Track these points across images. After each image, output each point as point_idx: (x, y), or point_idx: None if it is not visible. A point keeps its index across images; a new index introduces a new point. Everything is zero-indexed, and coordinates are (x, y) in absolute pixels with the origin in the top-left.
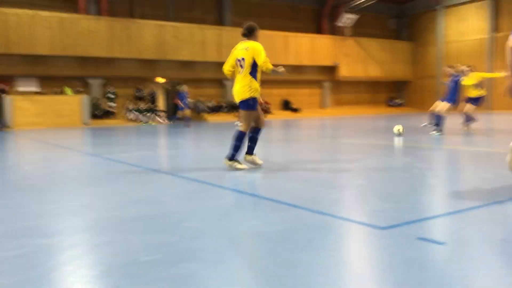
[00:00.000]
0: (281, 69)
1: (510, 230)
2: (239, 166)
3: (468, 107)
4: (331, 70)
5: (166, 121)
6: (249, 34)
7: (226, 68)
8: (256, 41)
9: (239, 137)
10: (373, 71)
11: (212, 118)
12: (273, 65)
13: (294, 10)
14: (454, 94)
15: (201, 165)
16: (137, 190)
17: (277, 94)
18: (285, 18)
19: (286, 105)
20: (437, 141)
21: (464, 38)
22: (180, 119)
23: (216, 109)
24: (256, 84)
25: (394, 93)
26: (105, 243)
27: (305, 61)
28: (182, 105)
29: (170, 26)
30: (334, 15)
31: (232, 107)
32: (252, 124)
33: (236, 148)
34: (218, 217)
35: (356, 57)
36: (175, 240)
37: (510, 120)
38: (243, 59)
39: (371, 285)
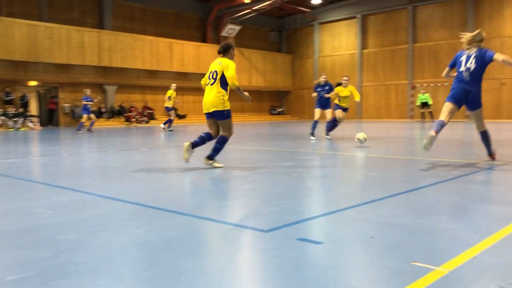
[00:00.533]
0: (246, 94)
1: (378, 228)
2: (217, 165)
3: (338, 113)
4: None
5: (39, 126)
6: (224, 52)
7: (203, 81)
8: (231, 59)
9: (222, 142)
10: (257, 81)
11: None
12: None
13: (179, 18)
14: (327, 101)
15: (77, 173)
16: (5, 202)
17: (162, 100)
18: (169, 25)
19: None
20: (313, 147)
21: (337, 53)
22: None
23: (95, 115)
24: (227, 97)
25: (276, 102)
26: None
27: (190, 68)
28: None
29: (43, 27)
30: (219, 25)
31: (113, 113)
32: (213, 132)
33: (217, 150)
34: (97, 228)
35: (240, 67)
36: (48, 255)
37: (379, 128)
38: (215, 72)
39: None
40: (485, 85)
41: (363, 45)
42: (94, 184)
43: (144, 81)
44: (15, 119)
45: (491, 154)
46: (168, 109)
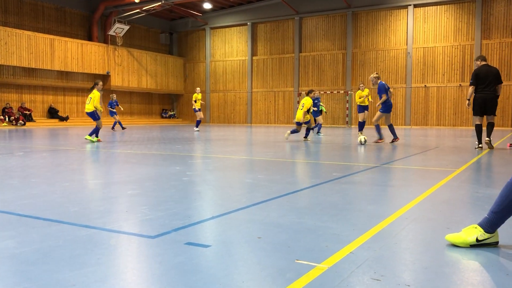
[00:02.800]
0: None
1: (265, 228)
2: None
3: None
4: (103, 78)
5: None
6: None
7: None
8: (99, 91)
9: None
10: (147, 83)
11: None
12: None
13: (61, 13)
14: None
15: None
16: None
17: (41, 101)
18: (50, 20)
19: (52, 113)
20: (207, 150)
21: (229, 58)
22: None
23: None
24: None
25: (167, 105)
26: None
27: (74, 67)
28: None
29: None
30: (106, 23)
31: None
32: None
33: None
34: None
35: (129, 67)
36: None
37: (267, 132)
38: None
39: None
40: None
41: (253, 52)
42: None
43: (21, 80)
44: None
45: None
46: (195, 111)
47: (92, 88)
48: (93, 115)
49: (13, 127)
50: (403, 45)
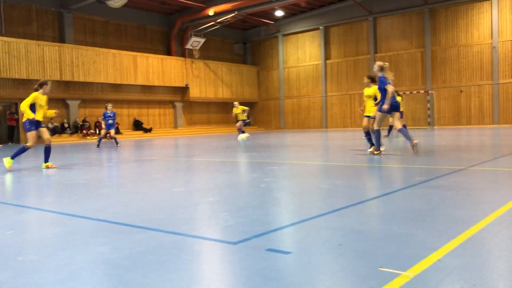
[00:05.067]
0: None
1: (345, 235)
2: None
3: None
4: (182, 90)
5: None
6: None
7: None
8: (44, 93)
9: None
10: (223, 93)
11: (54, 140)
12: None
13: (142, 31)
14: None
15: (39, 191)
16: None
17: (127, 114)
18: (133, 38)
19: (137, 125)
20: (282, 156)
21: (302, 64)
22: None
23: (58, 131)
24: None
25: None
26: None
27: (156, 81)
28: (103, 125)
29: (0, 41)
30: (183, 38)
31: (77, 128)
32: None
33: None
34: (59, 247)
35: (205, 79)
36: (8, 276)
37: (344, 136)
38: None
39: None
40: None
41: (327, 56)
42: (57, 201)
43: (108, 95)
44: None
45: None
46: (244, 122)
47: (36, 90)
48: (24, 125)
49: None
50: (488, 39)
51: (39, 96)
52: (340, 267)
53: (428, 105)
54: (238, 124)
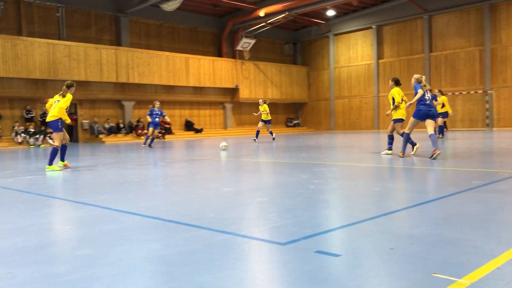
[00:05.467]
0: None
1: (397, 239)
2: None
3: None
4: (232, 91)
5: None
6: (67, 88)
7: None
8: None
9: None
10: (272, 93)
11: (110, 140)
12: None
13: (194, 33)
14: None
15: (95, 188)
16: (24, 218)
17: (179, 115)
18: (185, 40)
19: (189, 126)
20: (332, 158)
21: (353, 63)
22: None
23: (113, 130)
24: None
25: (292, 114)
26: None
27: (207, 83)
28: (150, 121)
29: (62, 45)
30: (233, 39)
31: (131, 128)
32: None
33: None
34: (113, 242)
35: (255, 80)
36: (66, 269)
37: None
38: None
39: None
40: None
41: (379, 55)
42: (112, 198)
43: (161, 96)
44: (35, 136)
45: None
46: (266, 122)
47: (67, 90)
48: (56, 125)
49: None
50: None
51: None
52: (391, 271)
53: (487, 106)
54: (262, 125)
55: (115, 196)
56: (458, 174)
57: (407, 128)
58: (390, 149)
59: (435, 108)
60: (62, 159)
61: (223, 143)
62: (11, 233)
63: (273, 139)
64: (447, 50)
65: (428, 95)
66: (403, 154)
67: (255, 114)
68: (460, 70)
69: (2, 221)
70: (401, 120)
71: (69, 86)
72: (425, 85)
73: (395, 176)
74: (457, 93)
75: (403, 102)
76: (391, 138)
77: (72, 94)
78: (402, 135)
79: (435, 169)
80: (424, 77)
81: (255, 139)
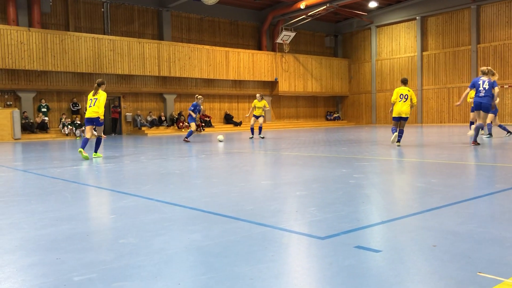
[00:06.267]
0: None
1: (440, 236)
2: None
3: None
4: (271, 85)
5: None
6: (98, 86)
7: (393, 99)
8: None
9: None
10: (312, 87)
11: (152, 132)
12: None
13: (234, 26)
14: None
15: (139, 179)
16: (71, 207)
17: (218, 108)
18: (225, 34)
19: (228, 119)
20: (373, 152)
21: (396, 56)
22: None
23: (155, 123)
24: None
25: (332, 107)
26: (35, 264)
27: (246, 76)
28: (194, 117)
29: (107, 40)
30: (273, 32)
31: (173, 121)
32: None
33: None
34: (155, 232)
35: (295, 72)
36: (110, 258)
37: (441, 132)
38: (407, 95)
39: None
40: None
41: (423, 47)
42: (154, 189)
43: (201, 90)
44: (81, 128)
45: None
46: (258, 117)
47: (98, 88)
48: (98, 120)
49: (196, 132)
50: None
51: None
52: (434, 269)
53: None
54: (260, 121)
55: (157, 187)
56: (507, 171)
57: (477, 120)
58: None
59: (488, 100)
60: (96, 151)
61: (220, 136)
62: (58, 221)
63: (262, 137)
64: (496, 42)
65: (482, 86)
66: (474, 143)
67: (247, 116)
68: (510, 62)
69: (50, 209)
70: (395, 118)
71: (100, 84)
72: (484, 73)
73: (440, 171)
74: (506, 86)
75: (404, 100)
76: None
77: (104, 91)
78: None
79: (483, 165)
80: (486, 68)
81: (251, 137)
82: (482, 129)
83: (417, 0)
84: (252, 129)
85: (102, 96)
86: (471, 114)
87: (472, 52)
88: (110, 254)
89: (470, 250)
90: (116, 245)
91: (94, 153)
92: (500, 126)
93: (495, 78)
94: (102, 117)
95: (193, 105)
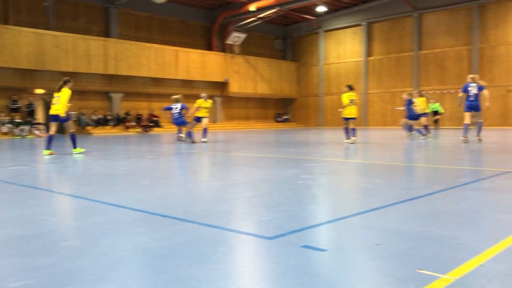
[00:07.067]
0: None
1: (383, 235)
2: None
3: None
4: (222, 85)
5: (45, 134)
6: (64, 84)
7: (345, 102)
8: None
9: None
10: (262, 88)
11: (97, 132)
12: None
13: (184, 26)
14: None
15: (82, 180)
16: (8, 209)
17: None
18: (175, 33)
19: None
20: (321, 153)
21: (342, 60)
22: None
23: (101, 122)
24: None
25: (281, 109)
26: None
27: (196, 76)
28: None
29: (50, 35)
30: (224, 33)
31: (119, 120)
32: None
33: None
34: (100, 234)
35: (245, 74)
36: (51, 262)
37: (384, 135)
38: (354, 99)
39: None
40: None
41: (368, 53)
42: (99, 191)
43: (150, 89)
44: (21, 127)
45: None
46: (200, 119)
47: (63, 85)
48: (59, 117)
49: (144, 133)
50: None
51: None
52: (377, 267)
53: None
54: (205, 122)
55: (102, 188)
56: (445, 172)
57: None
58: (348, 138)
59: (477, 101)
60: (48, 148)
61: (182, 134)
62: None
63: (192, 142)
64: (436, 49)
65: (472, 92)
66: (465, 138)
67: (188, 115)
68: (449, 68)
69: None
70: (345, 118)
71: (66, 82)
72: (473, 79)
73: (384, 172)
74: (445, 91)
75: (353, 104)
76: (346, 130)
77: (70, 89)
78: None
79: (423, 166)
80: (474, 76)
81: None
82: (480, 128)
83: (363, 7)
84: (190, 133)
85: (65, 93)
86: (403, 120)
87: (414, 58)
88: (51, 258)
89: (411, 248)
90: (57, 249)
91: (74, 149)
92: (418, 129)
93: (484, 83)
94: (62, 114)
95: (182, 106)
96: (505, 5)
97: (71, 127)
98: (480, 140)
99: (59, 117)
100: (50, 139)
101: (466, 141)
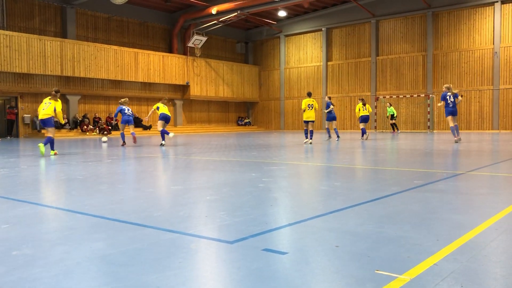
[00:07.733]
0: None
1: (342, 237)
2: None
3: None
4: (182, 88)
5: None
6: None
7: (303, 106)
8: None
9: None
10: (223, 92)
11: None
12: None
13: (144, 27)
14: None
15: (37, 185)
16: None
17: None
18: (134, 34)
19: (137, 122)
20: (282, 157)
21: (303, 65)
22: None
23: (57, 126)
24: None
25: (243, 113)
26: None
27: (156, 78)
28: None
29: (2, 35)
30: (185, 35)
31: (76, 124)
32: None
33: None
34: (54, 242)
35: (206, 77)
36: (2, 271)
37: (342, 139)
38: (312, 104)
39: None
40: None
41: (328, 58)
42: (54, 196)
43: (108, 91)
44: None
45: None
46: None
47: (55, 96)
48: (50, 121)
49: (101, 136)
50: (489, 44)
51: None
52: (336, 268)
53: (428, 109)
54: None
55: (56, 194)
56: (401, 174)
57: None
58: (307, 137)
59: (455, 107)
60: (53, 148)
61: (104, 138)
62: None
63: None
64: (393, 55)
65: (450, 100)
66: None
67: (146, 119)
68: (405, 74)
69: None
70: (305, 122)
71: (57, 92)
72: (449, 89)
73: (342, 175)
74: (401, 96)
75: (311, 108)
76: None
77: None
78: (311, 132)
79: (380, 169)
80: (449, 86)
81: (162, 143)
82: (457, 131)
83: (322, 12)
84: (122, 134)
85: (59, 103)
86: (326, 123)
87: (372, 64)
88: (1, 267)
89: (369, 249)
90: (8, 257)
91: (52, 151)
92: (335, 130)
93: (456, 91)
94: (61, 121)
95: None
96: (456, 13)
97: (52, 133)
98: (459, 139)
99: (47, 121)
100: (51, 141)
101: (458, 140)
